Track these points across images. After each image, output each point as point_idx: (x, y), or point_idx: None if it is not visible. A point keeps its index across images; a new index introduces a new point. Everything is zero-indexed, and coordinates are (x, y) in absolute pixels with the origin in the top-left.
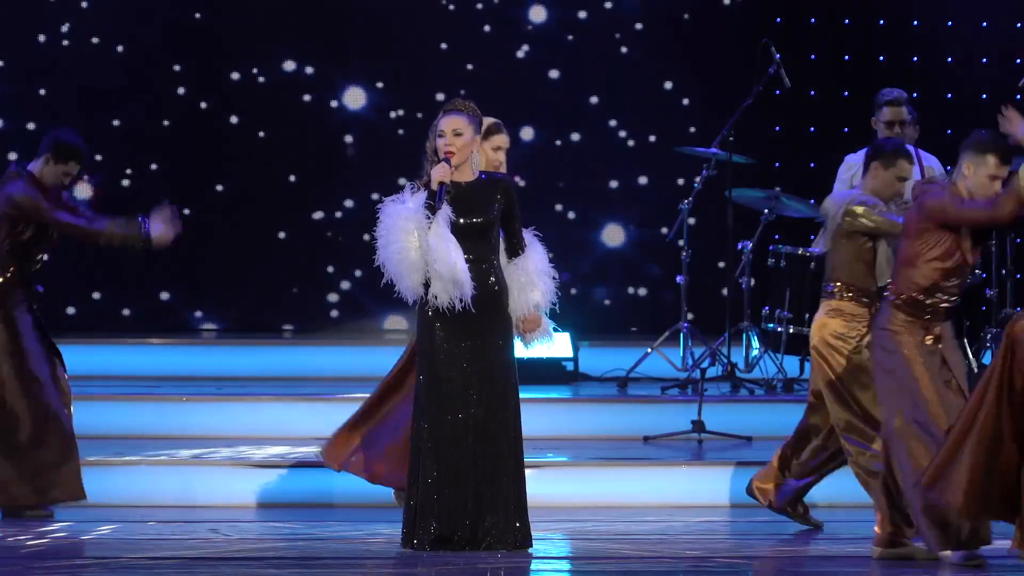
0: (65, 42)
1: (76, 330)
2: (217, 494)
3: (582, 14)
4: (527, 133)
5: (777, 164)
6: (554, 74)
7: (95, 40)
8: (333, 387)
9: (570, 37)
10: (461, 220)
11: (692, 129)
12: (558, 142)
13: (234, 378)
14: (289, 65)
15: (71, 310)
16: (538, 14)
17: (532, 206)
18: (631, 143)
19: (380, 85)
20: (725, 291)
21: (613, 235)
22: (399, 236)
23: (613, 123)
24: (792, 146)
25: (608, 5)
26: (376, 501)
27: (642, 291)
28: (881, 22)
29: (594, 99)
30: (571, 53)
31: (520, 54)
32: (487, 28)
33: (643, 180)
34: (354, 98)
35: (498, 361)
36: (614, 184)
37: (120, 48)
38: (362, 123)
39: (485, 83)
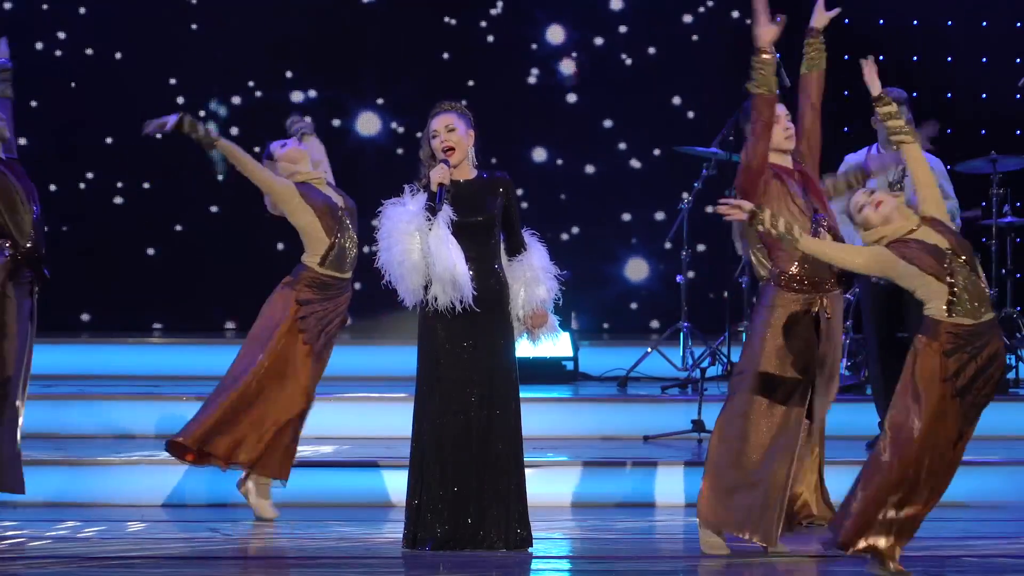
0: (58, 52)
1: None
2: (216, 494)
3: (599, 40)
4: (539, 154)
5: None
6: (571, 98)
7: (89, 51)
8: (333, 387)
9: (574, 54)
10: (462, 219)
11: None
12: (560, 161)
13: None
14: (295, 94)
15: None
16: (556, 35)
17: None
18: (638, 164)
19: (381, 101)
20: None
21: (630, 265)
22: (400, 239)
23: (623, 146)
24: None
25: (623, 29)
26: (376, 501)
27: (644, 297)
28: (881, 22)
29: (608, 122)
30: (586, 76)
31: (532, 79)
32: (500, 49)
33: (660, 216)
34: (366, 123)
35: (499, 360)
36: (627, 216)
37: (114, 63)
38: (375, 147)
39: (500, 106)
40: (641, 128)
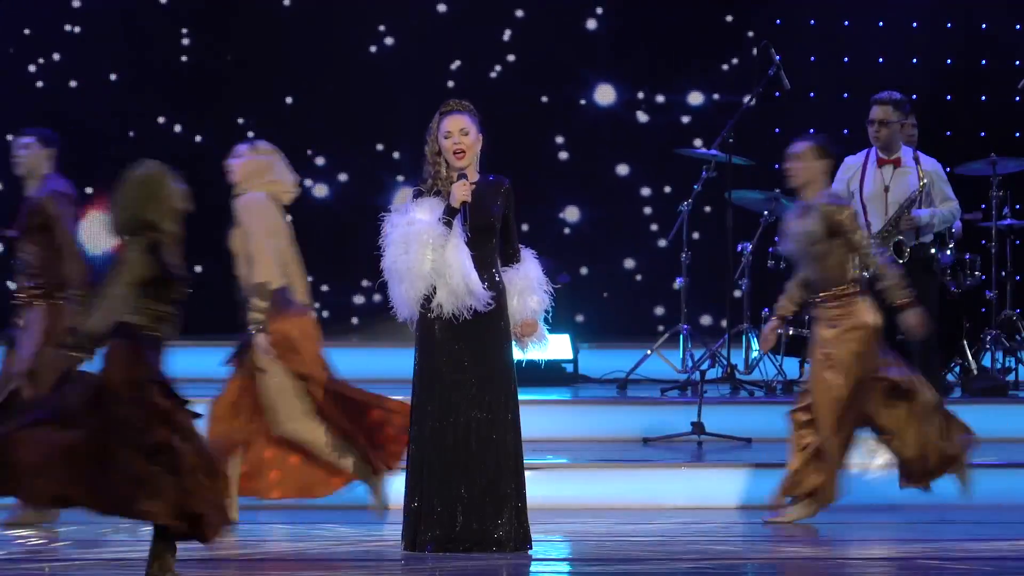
0: (39, 83)
1: None
2: None
3: (643, 117)
4: (572, 214)
5: (776, 166)
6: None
7: (74, 83)
8: None
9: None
10: (469, 222)
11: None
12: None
13: None
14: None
15: None
16: (606, 95)
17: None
18: (647, 191)
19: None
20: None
21: (630, 267)
22: (413, 248)
23: (648, 210)
24: None
25: (660, 99)
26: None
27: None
28: (880, 23)
29: (646, 190)
30: (635, 146)
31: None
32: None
33: (657, 214)
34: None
35: (498, 363)
36: (627, 218)
37: (108, 90)
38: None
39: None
40: (639, 133)
